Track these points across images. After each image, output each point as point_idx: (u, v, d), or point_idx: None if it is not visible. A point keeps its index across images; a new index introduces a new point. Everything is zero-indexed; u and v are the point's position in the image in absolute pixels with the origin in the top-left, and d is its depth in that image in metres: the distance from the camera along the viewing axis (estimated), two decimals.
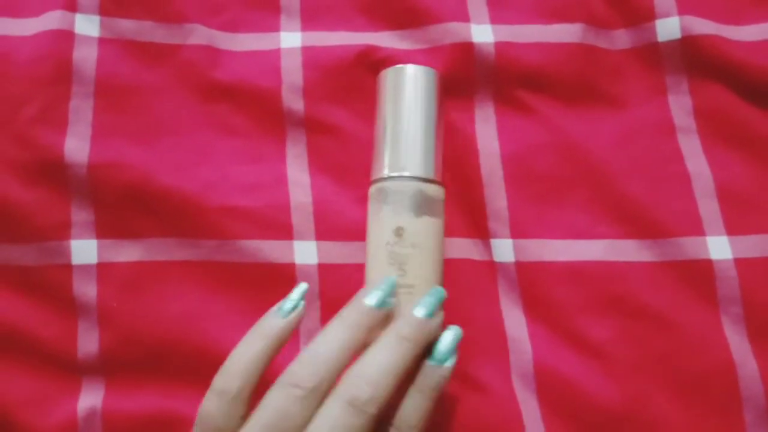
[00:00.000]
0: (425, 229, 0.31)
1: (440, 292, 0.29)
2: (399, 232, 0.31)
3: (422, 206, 0.31)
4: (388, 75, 0.33)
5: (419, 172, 0.31)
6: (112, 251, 0.34)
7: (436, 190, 0.32)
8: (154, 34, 0.37)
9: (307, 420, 0.24)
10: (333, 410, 0.24)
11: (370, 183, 0.33)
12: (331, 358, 0.25)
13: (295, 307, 0.27)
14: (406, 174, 0.31)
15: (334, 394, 0.25)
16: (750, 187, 0.35)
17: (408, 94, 0.33)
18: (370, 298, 0.27)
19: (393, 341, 0.26)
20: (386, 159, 0.32)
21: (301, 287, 0.28)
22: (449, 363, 0.28)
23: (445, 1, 0.37)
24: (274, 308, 0.27)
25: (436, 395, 0.27)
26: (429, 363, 0.27)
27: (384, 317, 0.28)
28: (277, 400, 0.25)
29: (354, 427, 0.24)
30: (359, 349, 0.27)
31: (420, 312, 0.27)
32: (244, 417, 0.25)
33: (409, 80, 0.33)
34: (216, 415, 0.25)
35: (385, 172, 0.32)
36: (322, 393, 0.25)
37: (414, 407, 0.26)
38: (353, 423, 0.24)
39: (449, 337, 0.28)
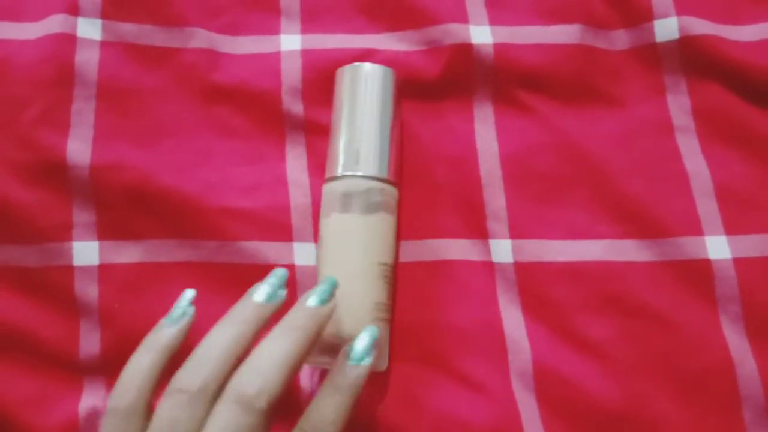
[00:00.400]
0: (337, 226, 0.31)
1: (332, 280, 0.28)
2: (321, 231, 0.32)
3: (332, 204, 0.32)
4: (344, 73, 0.34)
5: (381, 173, 0.32)
6: (113, 252, 0.34)
7: (392, 191, 0.32)
8: (155, 38, 0.37)
9: (200, 424, 0.24)
10: (222, 411, 0.24)
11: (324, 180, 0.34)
12: (215, 357, 0.25)
13: (183, 314, 0.27)
14: (369, 174, 0.32)
15: (224, 393, 0.24)
16: (749, 187, 0.35)
17: (365, 93, 0.33)
18: (257, 293, 0.27)
19: (283, 331, 0.26)
20: (346, 157, 0.32)
21: (188, 294, 0.28)
22: (365, 362, 0.27)
23: (444, 3, 0.38)
24: (164, 318, 0.27)
25: (353, 394, 0.26)
26: (346, 362, 0.27)
27: (272, 311, 0.27)
28: (165, 408, 0.24)
29: (245, 425, 0.23)
30: (248, 345, 0.26)
31: (311, 301, 0.27)
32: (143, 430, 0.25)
33: (365, 78, 0.33)
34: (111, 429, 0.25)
35: (346, 171, 0.32)
36: (210, 394, 0.24)
37: (331, 405, 0.26)
38: (244, 421, 0.23)
39: (366, 336, 0.28)
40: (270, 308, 0.27)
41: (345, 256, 0.31)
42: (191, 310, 0.27)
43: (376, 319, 0.31)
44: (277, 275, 0.28)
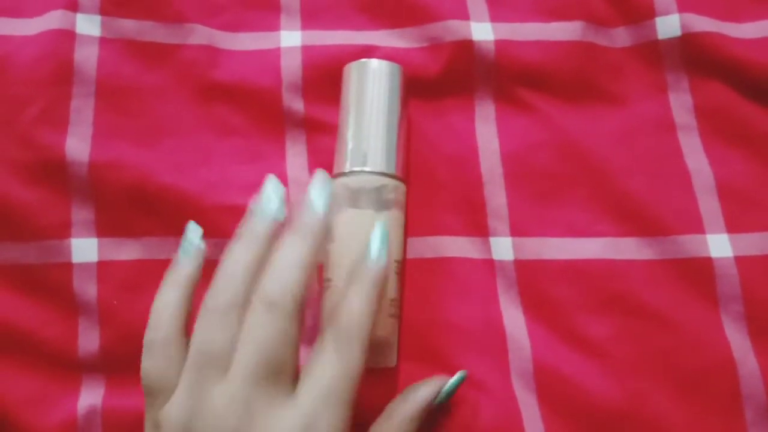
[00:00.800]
0: (347, 222, 0.31)
1: (325, 177, 0.29)
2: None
3: (345, 200, 0.31)
4: (351, 69, 0.34)
5: (389, 169, 0.32)
6: (112, 250, 0.34)
7: (400, 187, 0.32)
8: (154, 34, 0.37)
9: (234, 337, 0.25)
10: (252, 318, 0.25)
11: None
12: (238, 274, 0.26)
13: (197, 248, 0.29)
14: (377, 170, 0.32)
15: (251, 304, 0.26)
16: (750, 185, 0.34)
17: (372, 89, 0.33)
18: (262, 211, 0.28)
19: (294, 237, 0.27)
20: (354, 153, 0.32)
21: (192, 226, 0.30)
22: (382, 256, 0.28)
23: (445, 0, 0.37)
24: (178, 253, 0.29)
25: (376, 285, 0.27)
26: (364, 259, 0.28)
27: (280, 226, 0.28)
28: (199, 329, 0.26)
29: (275, 326, 0.25)
30: (264, 258, 0.27)
31: (315, 204, 0.28)
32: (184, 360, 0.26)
33: (372, 75, 0.33)
34: (150, 367, 0.26)
35: (354, 167, 0.32)
36: (239, 308, 0.26)
37: (357, 298, 0.27)
38: (273, 321, 0.25)
39: (378, 232, 0.29)
40: (277, 224, 0.28)
41: (355, 252, 0.31)
42: (203, 244, 0.29)
43: (390, 315, 0.31)
44: (273, 185, 0.29)
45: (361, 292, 0.27)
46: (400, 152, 0.33)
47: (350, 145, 0.32)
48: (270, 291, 0.25)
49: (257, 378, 0.24)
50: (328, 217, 0.28)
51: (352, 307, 0.27)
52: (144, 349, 0.27)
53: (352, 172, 0.32)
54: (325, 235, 0.28)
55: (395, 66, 0.33)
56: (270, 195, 0.29)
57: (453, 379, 0.30)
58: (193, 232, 0.30)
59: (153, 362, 0.26)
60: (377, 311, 0.28)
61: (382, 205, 0.31)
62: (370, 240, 0.29)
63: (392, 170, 0.32)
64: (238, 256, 0.27)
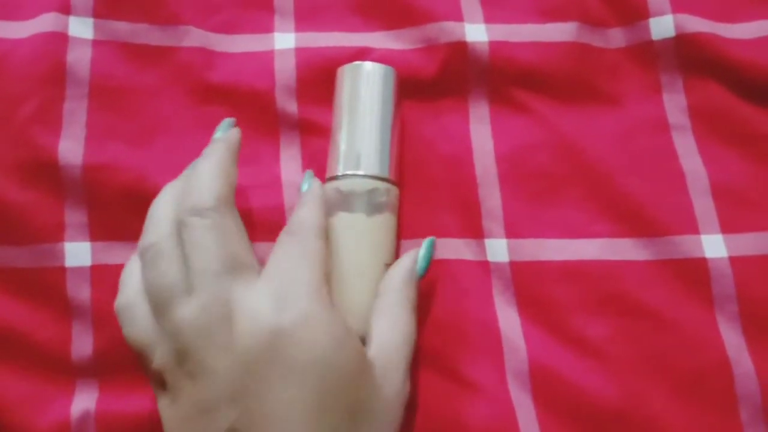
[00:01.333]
0: (339, 225, 0.31)
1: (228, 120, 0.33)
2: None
3: (336, 204, 0.31)
4: (345, 71, 0.34)
5: (382, 173, 0.32)
6: (106, 253, 0.34)
7: (393, 191, 0.32)
8: (148, 36, 0.37)
9: (180, 260, 0.26)
10: (188, 231, 0.26)
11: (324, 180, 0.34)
12: (158, 210, 0.28)
13: (228, 125, 0.32)
14: (370, 173, 0.32)
15: (179, 221, 0.26)
16: (745, 185, 0.34)
17: (366, 92, 0.33)
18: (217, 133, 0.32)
19: (206, 151, 0.29)
20: (347, 156, 0.32)
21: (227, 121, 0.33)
22: (312, 184, 0.31)
23: (439, 1, 0.37)
24: (216, 133, 0.32)
25: (317, 202, 0.29)
26: (307, 179, 0.31)
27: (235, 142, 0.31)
28: (145, 274, 0.27)
29: (214, 226, 0.26)
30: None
31: (222, 131, 0.32)
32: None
33: (365, 77, 0.33)
34: (129, 326, 0.27)
35: (346, 170, 0.32)
36: (171, 233, 0.27)
37: (299, 210, 0.29)
38: (210, 224, 0.26)
39: (307, 175, 0.32)
40: (232, 138, 0.31)
41: (352, 255, 0.31)
42: (230, 121, 0.33)
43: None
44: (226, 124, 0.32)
45: (307, 203, 0.29)
46: (393, 155, 0.33)
47: (343, 148, 0.32)
48: (190, 202, 0.26)
49: (217, 275, 0.25)
50: (237, 135, 0.31)
51: (301, 210, 0.29)
52: (118, 317, 0.27)
53: (344, 176, 0.32)
54: (233, 142, 0.30)
55: (388, 69, 0.33)
56: (220, 127, 0.32)
57: (423, 249, 0.32)
58: (226, 123, 0.33)
59: (129, 327, 0.27)
60: (325, 216, 0.29)
61: (374, 208, 0.31)
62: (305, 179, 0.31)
63: (385, 173, 0.32)
64: (156, 199, 0.29)
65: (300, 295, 0.25)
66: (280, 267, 0.26)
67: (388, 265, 0.32)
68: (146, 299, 0.27)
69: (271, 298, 0.25)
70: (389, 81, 0.33)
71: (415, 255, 0.31)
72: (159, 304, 0.25)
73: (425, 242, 0.32)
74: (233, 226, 0.26)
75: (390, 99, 0.33)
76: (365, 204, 0.31)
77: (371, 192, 0.31)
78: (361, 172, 0.32)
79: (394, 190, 0.33)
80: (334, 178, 0.32)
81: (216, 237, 0.25)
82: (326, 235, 0.28)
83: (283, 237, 0.28)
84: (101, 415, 0.32)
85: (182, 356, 0.24)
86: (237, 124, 0.36)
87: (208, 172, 0.27)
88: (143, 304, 0.27)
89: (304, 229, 0.28)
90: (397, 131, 0.34)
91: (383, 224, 0.32)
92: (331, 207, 0.32)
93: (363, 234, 0.31)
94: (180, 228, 0.26)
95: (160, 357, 0.25)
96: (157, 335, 0.26)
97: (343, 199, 0.31)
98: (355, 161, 0.32)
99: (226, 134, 0.31)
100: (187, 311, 0.25)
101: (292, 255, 0.26)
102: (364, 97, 0.33)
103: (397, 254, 0.34)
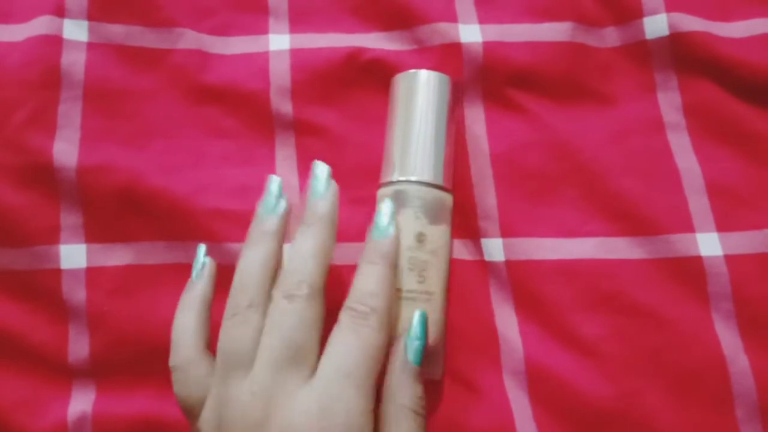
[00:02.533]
0: (442, 237, 0.31)
1: (323, 168, 0.30)
2: (420, 237, 0.31)
3: (439, 214, 0.32)
4: (401, 80, 0.34)
5: (436, 180, 0.32)
6: (101, 255, 0.34)
7: (449, 199, 0.32)
8: (143, 39, 0.37)
9: (258, 333, 0.27)
10: (272, 309, 0.27)
11: (379, 185, 0.33)
12: (253, 274, 0.28)
13: (203, 266, 0.31)
14: (425, 180, 0.32)
15: (272, 297, 0.27)
16: (740, 184, 0.34)
17: (421, 100, 0.33)
18: (264, 208, 0.30)
19: (304, 229, 0.29)
20: (401, 163, 0.32)
21: (201, 248, 0.31)
22: (390, 231, 0.29)
23: (433, 2, 0.37)
24: (189, 281, 0.31)
25: (388, 263, 0.29)
26: (373, 237, 0.29)
27: (284, 218, 0.30)
28: (225, 333, 0.27)
29: (294, 314, 0.26)
30: (278, 255, 0.29)
31: (318, 194, 0.29)
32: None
33: (422, 85, 0.33)
34: (180, 390, 0.28)
35: (404, 176, 0.32)
36: (259, 306, 0.27)
37: (371, 277, 0.28)
38: (292, 310, 0.26)
39: (385, 208, 0.30)
40: (281, 218, 0.29)
41: (448, 267, 0.32)
42: (208, 260, 0.31)
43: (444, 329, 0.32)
44: (274, 184, 0.30)
45: (371, 268, 0.28)
46: (448, 163, 0.33)
47: (398, 155, 0.32)
48: (287, 282, 0.27)
49: (278, 366, 0.26)
50: (333, 201, 0.29)
51: (365, 283, 0.28)
52: (172, 372, 0.28)
53: (408, 182, 0.32)
54: (334, 218, 0.29)
55: (444, 76, 0.33)
56: (270, 191, 0.30)
57: (412, 326, 0.29)
58: (201, 250, 0.31)
59: (181, 386, 0.28)
60: (392, 286, 0.28)
61: (449, 220, 0.32)
62: (376, 216, 0.30)
63: (440, 181, 0.32)
64: (249, 256, 0.28)
65: (343, 419, 0.25)
66: (329, 372, 0.26)
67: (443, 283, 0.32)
68: (204, 360, 0.28)
69: (315, 408, 0.25)
70: (444, 89, 0.33)
71: (402, 343, 0.28)
72: (224, 366, 0.26)
73: (415, 318, 0.29)
74: (315, 316, 0.27)
75: (445, 106, 0.33)
76: (447, 216, 0.32)
77: (437, 201, 0.32)
78: (426, 180, 0.32)
79: (451, 200, 0.33)
80: (397, 182, 0.32)
81: (294, 324, 0.26)
82: (390, 322, 0.28)
83: (343, 318, 0.27)
84: (98, 417, 0.32)
85: (221, 427, 0.26)
86: (232, 125, 0.36)
87: (312, 257, 0.28)
88: (200, 365, 0.28)
89: (366, 310, 0.27)
90: (453, 139, 0.34)
91: (446, 233, 0.32)
92: (433, 215, 0.31)
93: (449, 248, 0.32)
94: (271, 304, 0.27)
95: (203, 420, 0.27)
96: (207, 399, 0.27)
97: (410, 203, 0.31)
98: (420, 169, 0.32)
99: (330, 209, 0.29)
100: (240, 389, 0.26)
101: (344, 354, 0.26)
102: (424, 105, 0.33)
103: None
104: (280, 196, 0.30)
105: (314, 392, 0.25)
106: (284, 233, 0.29)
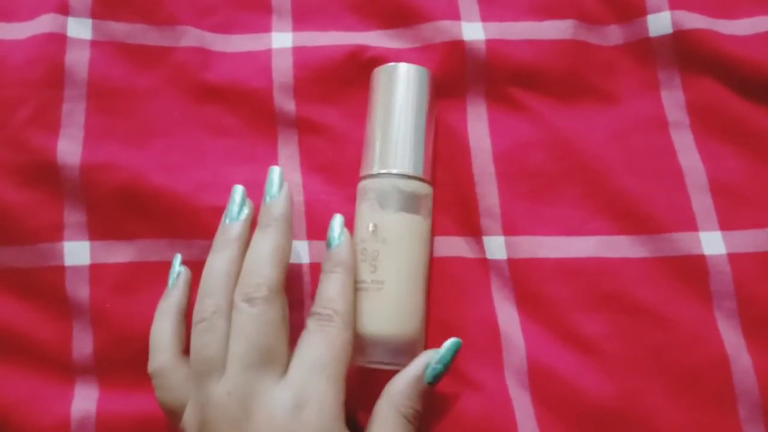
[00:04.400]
0: (398, 225, 0.31)
1: (277, 171, 0.32)
2: (371, 227, 0.31)
3: (399, 202, 0.31)
4: (380, 73, 0.34)
5: (398, 169, 0.32)
6: (104, 252, 0.34)
7: (415, 186, 0.32)
8: (146, 37, 0.37)
9: (226, 338, 0.28)
10: (235, 314, 0.28)
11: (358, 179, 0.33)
12: (216, 282, 0.29)
13: (178, 275, 0.32)
14: (384, 171, 0.32)
15: (233, 301, 0.28)
16: (743, 182, 0.34)
17: (399, 92, 0.33)
18: (228, 217, 0.31)
19: (260, 231, 0.30)
20: (369, 156, 0.33)
21: (177, 258, 0.33)
22: (343, 239, 0.31)
23: (436, 0, 0.37)
24: (166, 289, 0.32)
25: (346, 270, 0.30)
26: (328, 249, 0.31)
27: (248, 225, 0.31)
28: (194, 340, 0.28)
29: (256, 316, 0.28)
30: (240, 261, 0.30)
31: (271, 196, 0.31)
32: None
33: (401, 78, 0.33)
34: (161, 396, 0.29)
35: (366, 170, 0.32)
36: (224, 312, 0.28)
37: (332, 284, 0.30)
38: (253, 313, 0.28)
39: (336, 223, 0.31)
40: (242, 226, 0.31)
41: (410, 255, 0.32)
42: (183, 269, 0.32)
43: (424, 319, 0.32)
44: (237, 194, 0.32)
45: (330, 276, 0.30)
46: (424, 154, 0.33)
47: (378, 147, 0.33)
48: (246, 286, 0.28)
49: (249, 367, 0.27)
50: (286, 201, 0.31)
51: (326, 289, 0.30)
52: (151, 377, 0.30)
53: (370, 175, 0.32)
54: (288, 218, 0.30)
55: (423, 69, 0.34)
56: (233, 200, 0.32)
57: (442, 349, 0.30)
58: (176, 260, 0.33)
59: (162, 391, 0.29)
60: (351, 289, 0.30)
61: (428, 210, 0.33)
62: (329, 230, 0.31)
63: (419, 172, 0.33)
64: (212, 263, 0.30)
65: (317, 410, 0.27)
66: (301, 368, 0.28)
67: (427, 267, 0.33)
68: (181, 366, 0.29)
69: (291, 403, 0.27)
70: (424, 81, 0.34)
71: (427, 359, 0.30)
72: (197, 371, 0.28)
73: (448, 343, 0.30)
74: (277, 315, 0.28)
75: (425, 99, 0.33)
76: (424, 206, 0.32)
77: (394, 190, 0.32)
78: (384, 171, 0.32)
79: (424, 187, 0.33)
80: (363, 177, 0.33)
81: (258, 327, 0.28)
82: (354, 320, 0.30)
83: (311, 325, 0.29)
84: (102, 414, 0.32)
85: (203, 428, 0.27)
86: (235, 123, 0.36)
87: (269, 258, 0.29)
88: (178, 370, 0.29)
89: (329, 313, 0.29)
90: (431, 130, 0.34)
91: (429, 225, 0.33)
92: (387, 203, 0.32)
93: (422, 235, 0.32)
94: (233, 308, 0.28)
95: (186, 422, 0.28)
96: (188, 402, 0.28)
97: (405, 199, 0.32)
98: (383, 161, 0.32)
99: (284, 209, 0.31)
100: (216, 391, 0.27)
101: (313, 351, 0.28)
102: (399, 97, 0.33)
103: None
104: (243, 204, 0.31)
105: (289, 388, 0.27)
106: (247, 239, 0.31)
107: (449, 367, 0.30)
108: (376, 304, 0.31)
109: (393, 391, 0.29)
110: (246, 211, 0.31)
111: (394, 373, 0.30)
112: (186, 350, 0.30)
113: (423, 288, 0.32)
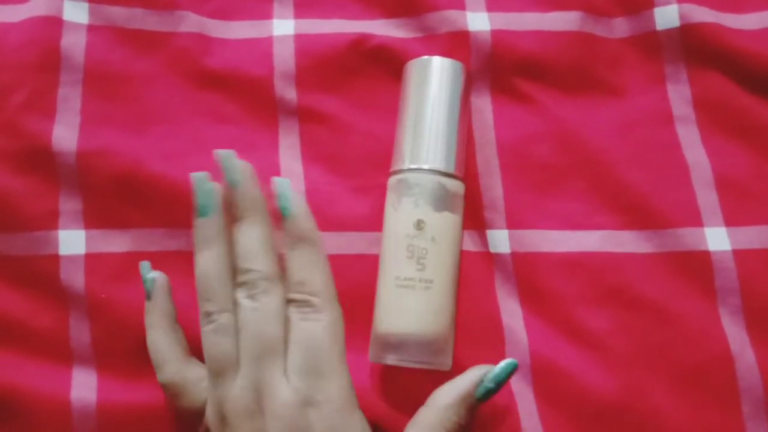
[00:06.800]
0: (445, 224, 0.31)
1: (224, 153, 0.30)
2: (419, 225, 0.30)
3: (442, 201, 0.31)
4: (414, 66, 0.33)
5: (441, 166, 0.31)
6: (100, 242, 0.33)
7: (456, 186, 0.32)
8: (144, 22, 0.36)
9: (234, 332, 0.28)
10: (241, 311, 0.28)
11: (389, 174, 0.33)
12: (212, 278, 0.28)
13: (152, 283, 0.30)
14: (427, 167, 0.31)
15: (237, 298, 0.28)
16: (749, 178, 0.34)
17: (434, 87, 0.32)
18: (200, 214, 0.29)
19: (240, 223, 0.29)
20: (408, 151, 0.32)
21: (143, 266, 0.31)
22: (294, 209, 0.29)
23: None
24: (147, 302, 0.31)
25: (309, 245, 0.29)
26: (288, 221, 0.29)
27: (222, 214, 0.29)
28: (206, 345, 0.28)
29: (261, 308, 0.27)
30: (228, 254, 0.29)
31: (234, 181, 0.29)
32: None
33: (435, 72, 0.33)
34: (179, 406, 0.29)
35: (407, 164, 0.32)
36: (228, 308, 0.28)
37: (295, 266, 0.29)
38: (259, 306, 0.27)
39: (284, 186, 0.30)
40: (219, 217, 0.29)
41: (455, 255, 0.32)
42: (156, 274, 0.31)
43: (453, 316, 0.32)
44: (202, 184, 0.29)
45: (299, 252, 0.29)
46: (460, 152, 0.33)
47: (411, 142, 0.32)
48: (243, 282, 0.28)
49: (257, 360, 0.27)
50: (252, 183, 0.29)
51: (297, 268, 0.29)
52: (165, 392, 0.29)
53: (411, 170, 0.32)
54: (261, 201, 0.29)
55: (458, 64, 0.33)
56: (198, 194, 0.29)
57: (497, 368, 0.29)
58: (143, 268, 0.31)
59: (178, 399, 0.29)
60: (324, 260, 0.29)
61: (443, 205, 0.31)
62: (279, 193, 0.30)
63: (461, 172, 0.32)
64: (203, 263, 0.28)
65: (327, 408, 0.27)
66: (300, 366, 0.27)
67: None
68: (189, 370, 0.29)
69: (298, 402, 0.26)
70: (458, 76, 0.33)
71: (481, 374, 0.29)
72: (213, 370, 0.27)
73: (504, 363, 0.29)
74: (278, 303, 0.28)
75: (459, 94, 0.33)
76: (435, 199, 0.31)
77: (440, 188, 0.31)
78: (428, 167, 0.31)
79: (462, 187, 0.33)
80: (402, 171, 0.32)
81: (261, 319, 0.27)
82: (335, 292, 0.29)
83: (293, 316, 0.28)
84: (102, 402, 0.31)
85: (224, 423, 0.27)
86: (235, 111, 0.35)
87: (258, 249, 0.28)
88: (188, 376, 0.29)
89: (315, 300, 0.28)
90: (465, 127, 0.33)
91: (452, 220, 0.32)
92: (434, 201, 0.31)
93: (460, 235, 0.32)
94: (235, 305, 0.28)
95: (208, 419, 0.28)
96: (207, 402, 0.28)
97: (412, 191, 0.31)
98: (425, 156, 0.32)
99: (254, 193, 0.29)
100: (232, 387, 0.27)
101: (308, 347, 0.27)
102: (435, 92, 0.32)
103: None
104: (210, 197, 0.29)
105: (291, 386, 0.27)
106: (226, 226, 0.29)
107: (502, 387, 0.29)
108: (423, 303, 0.30)
109: (440, 402, 0.28)
110: (216, 202, 0.29)
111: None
112: (188, 350, 0.30)
113: (457, 287, 0.32)
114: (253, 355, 0.27)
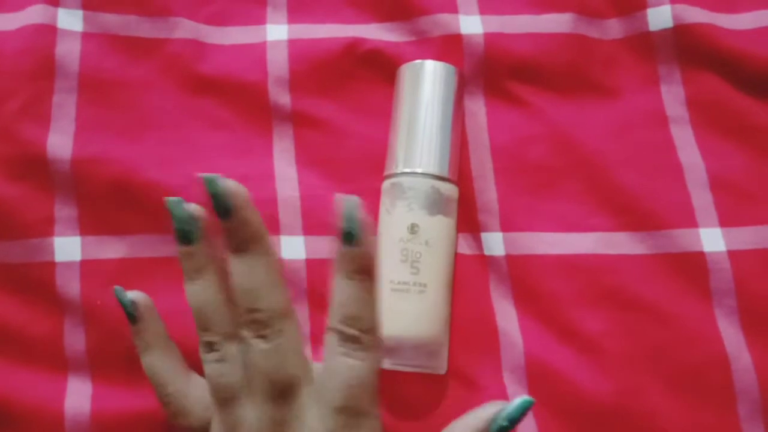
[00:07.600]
0: (438, 228, 0.31)
1: (206, 176, 0.25)
2: (413, 228, 0.30)
3: (436, 204, 0.31)
4: (407, 70, 0.33)
5: (435, 170, 0.32)
6: (95, 248, 0.33)
7: (450, 189, 0.32)
8: (138, 28, 0.36)
9: (238, 362, 0.26)
10: (250, 351, 0.25)
11: (383, 178, 0.33)
12: (209, 307, 0.26)
13: (133, 304, 0.28)
14: (421, 171, 0.31)
15: (243, 337, 0.25)
16: (744, 178, 0.34)
17: (427, 90, 0.33)
18: (182, 242, 0.26)
19: (237, 257, 0.25)
20: (402, 154, 0.32)
21: (118, 290, 0.29)
22: (362, 237, 0.24)
23: None
24: (133, 327, 0.29)
25: (369, 279, 0.25)
26: (341, 250, 0.25)
27: (206, 237, 0.26)
28: (209, 375, 0.26)
29: (275, 350, 0.25)
30: (220, 280, 0.26)
31: (234, 213, 0.25)
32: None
33: (428, 76, 0.33)
34: (180, 425, 0.28)
35: (400, 168, 0.32)
36: (231, 335, 0.26)
37: (349, 298, 0.25)
38: (272, 348, 0.25)
39: (354, 210, 0.24)
40: (205, 244, 0.26)
41: (449, 259, 0.32)
42: (135, 296, 0.29)
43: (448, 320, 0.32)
44: (180, 209, 0.26)
45: (356, 283, 0.25)
46: (454, 155, 0.33)
47: (416, 145, 0.32)
48: (252, 321, 0.25)
49: (276, 398, 0.25)
50: (245, 205, 0.25)
51: (351, 301, 0.25)
52: (165, 408, 0.28)
53: (404, 173, 0.32)
54: (261, 226, 0.26)
55: (450, 67, 0.33)
56: (177, 220, 0.26)
57: (512, 405, 0.27)
58: (119, 294, 0.29)
59: (181, 418, 0.28)
60: (378, 297, 0.26)
61: (437, 208, 0.31)
62: (346, 216, 0.25)
63: (455, 176, 0.32)
64: (195, 296, 0.26)
65: None
66: (333, 402, 0.25)
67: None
68: (190, 388, 0.28)
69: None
70: (451, 79, 0.33)
71: (495, 411, 0.27)
72: (219, 399, 0.26)
73: (519, 401, 0.27)
74: (293, 339, 0.25)
75: (452, 97, 0.33)
76: (451, 208, 0.32)
77: (433, 191, 0.31)
78: (421, 171, 0.32)
79: (455, 191, 0.33)
80: (396, 175, 0.32)
81: (277, 362, 0.25)
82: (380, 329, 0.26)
83: (336, 348, 0.25)
84: (96, 410, 0.31)
85: None
86: (229, 116, 0.36)
87: (267, 285, 0.25)
88: (189, 393, 0.28)
89: (363, 338, 0.25)
90: (459, 130, 0.34)
91: (446, 224, 0.32)
92: (427, 205, 0.31)
93: (454, 239, 0.32)
94: (241, 339, 0.26)
95: None
96: (211, 421, 0.27)
97: (406, 195, 0.31)
98: (418, 160, 0.32)
99: (250, 215, 0.25)
100: (244, 416, 0.25)
101: (347, 383, 0.25)
102: (428, 95, 0.33)
103: None
104: (191, 223, 0.26)
105: (322, 422, 0.25)
106: (214, 252, 0.26)
107: (516, 425, 0.27)
108: (417, 307, 0.30)
109: None
110: (199, 226, 0.26)
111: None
112: (185, 362, 0.29)
113: (452, 291, 0.33)
114: (272, 395, 0.25)
